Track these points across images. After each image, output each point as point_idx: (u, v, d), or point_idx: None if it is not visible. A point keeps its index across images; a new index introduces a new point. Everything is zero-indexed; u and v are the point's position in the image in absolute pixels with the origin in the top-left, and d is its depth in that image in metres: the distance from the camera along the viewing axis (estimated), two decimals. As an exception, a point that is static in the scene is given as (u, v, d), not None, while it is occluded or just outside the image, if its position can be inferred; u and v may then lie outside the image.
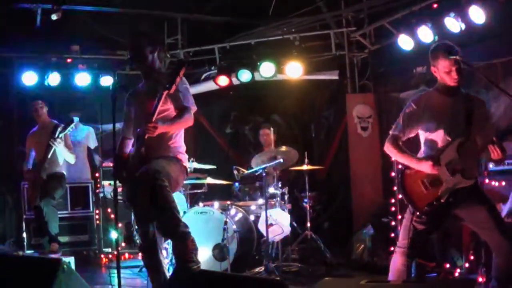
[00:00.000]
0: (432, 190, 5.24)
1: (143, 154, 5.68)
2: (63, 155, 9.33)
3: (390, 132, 5.63)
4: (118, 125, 5.81)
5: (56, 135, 9.00)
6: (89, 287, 5.73)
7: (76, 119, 11.00)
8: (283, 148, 9.26)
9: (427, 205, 5.23)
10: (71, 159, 9.42)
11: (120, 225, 10.32)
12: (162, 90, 5.63)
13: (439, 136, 5.35)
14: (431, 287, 3.93)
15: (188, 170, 6.55)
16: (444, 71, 5.30)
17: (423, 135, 5.54)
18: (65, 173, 9.60)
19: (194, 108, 5.94)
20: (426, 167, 5.26)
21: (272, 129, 10.17)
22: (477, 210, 5.19)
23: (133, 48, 6.08)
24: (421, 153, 5.55)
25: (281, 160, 8.88)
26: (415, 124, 5.48)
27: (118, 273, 5.28)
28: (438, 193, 5.21)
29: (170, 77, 5.65)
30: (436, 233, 6.63)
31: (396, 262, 5.51)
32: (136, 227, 5.98)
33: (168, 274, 5.78)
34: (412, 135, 5.59)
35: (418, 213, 5.27)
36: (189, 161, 8.69)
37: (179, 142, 6.02)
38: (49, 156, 9.07)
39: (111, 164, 10.58)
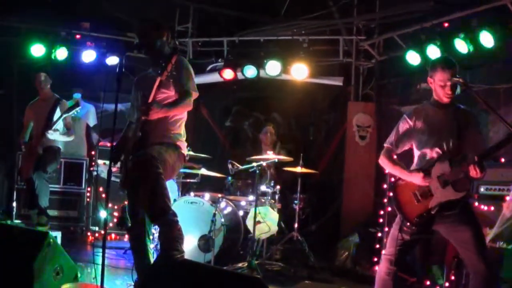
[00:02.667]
0: (423, 202, 5.31)
1: (137, 138, 5.72)
2: (58, 139, 9.33)
3: (384, 145, 5.72)
4: (121, 106, 5.86)
5: (58, 117, 9.00)
6: (73, 263, 5.78)
7: (78, 95, 11.08)
8: (281, 155, 9.34)
9: (418, 217, 5.29)
10: (68, 139, 9.42)
11: (109, 205, 10.37)
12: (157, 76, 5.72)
13: (431, 149, 5.40)
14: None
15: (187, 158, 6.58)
16: (439, 84, 5.34)
17: (415, 148, 5.59)
18: (61, 147, 9.59)
19: (195, 94, 5.97)
20: (417, 179, 5.33)
21: (273, 131, 10.28)
22: (462, 229, 5.21)
23: (141, 35, 6.12)
24: (413, 166, 5.59)
25: (276, 160, 8.94)
26: (408, 138, 5.57)
27: (103, 252, 5.31)
28: (428, 205, 5.27)
29: (163, 64, 5.70)
30: (421, 245, 6.73)
31: (381, 270, 5.57)
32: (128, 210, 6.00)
33: (152, 260, 5.84)
34: (406, 148, 5.66)
35: (408, 224, 5.33)
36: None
37: (180, 130, 6.07)
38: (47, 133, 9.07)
39: (108, 144, 10.61)
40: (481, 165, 4.99)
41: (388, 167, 5.65)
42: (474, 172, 5.00)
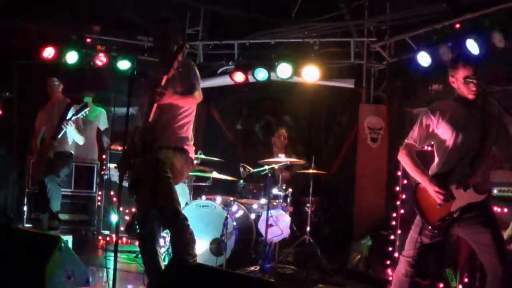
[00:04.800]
0: (445, 205, 5.23)
1: (146, 140, 5.71)
2: (72, 136, 9.32)
3: (405, 141, 5.58)
4: (132, 110, 5.82)
5: (69, 117, 8.99)
6: (85, 267, 5.77)
7: (89, 99, 11.07)
8: (293, 158, 9.32)
9: (440, 220, 5.24)
10: (80, 140, 9.39)
11: (120, 209, 10.35)
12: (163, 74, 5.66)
13: (453, 147, 5.33)
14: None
15: (195, 162, 6.52)
16: (463, 82, 5.29)
17: (436, 147, 5.52)
18: (73, 152, 9.59)
19: (199, 97, 5.90)
20: (435, 194, 5.25)
21: (286, 134, 10.28)
22: (481, 231, 5.16)
23: (161, 36, 6.04)
24: (433, 166, 5.52)
25: (288, 162, 8.91)
26: (430, 134, 5.46)
27: (115, 256, 5.28)
28: (450, 208, 5.21)
29: (168, 61, 5.66)
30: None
31: (399, 271, 5.51)
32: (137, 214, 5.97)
33: (163, 264, 5.80)
34: (427, 144, 5.58)
35: (429, 227, 5.27)
36: (197, 153, 8.73)
37: (187, 133, 6.00)
38: (59, 136, 9.06)
39: (119, 148, 10.62)
40: None
41: (408, 167, 5.53)
42: None
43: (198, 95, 5.85)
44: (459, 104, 5.41)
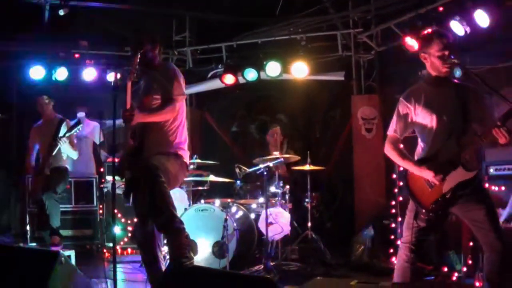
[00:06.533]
0: (437, 187, 5.20)
1: (131, 145, 5.74)
2: (66, 152, 9.36)
3: (387, 133, 5.57)
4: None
5: (62, 135, 9.02)
6: (87, 280, 5.77)
7: (82, 114, 11.09)
8: (290, 155, 9.34)
9: (433, 203, 5.22)
10: (74, 155, 9.44)
11: (123, 220, 10.42)
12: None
13: (436, 130, 5.28)
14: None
15: (190, 167, 6.53)
16: (437, 55, 5.20)
17: (418, 132, 5.48)
18: (69, 167, 9.61)
19: (180, 98, 5.94)
20: (428, 176, 5.22)
21: (280, 131, 10.28)
22: (476, 209, 5.15)
23: (134, 46, 6.10)
24: (419, 150, 5.49)
25: (282, 160, 8.92)
26: (410, 123, 5.42)
27: (114, 267, 5.30)
28: (442, 190, 5.18)
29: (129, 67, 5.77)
30: (436, 233, 6.66)
31: (400, 257, 5.48)
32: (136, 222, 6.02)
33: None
34: (409, 132, 5.54)
35: (424, 211, 5.25)
36: (192, 157, 8.75)
37: (180, 138, 6.01)
38: (54, 153, 9.10)
39: (116, 160, 10.61)
40: (507, 129, 4.82)
41: (396, 159, 5.50)
42: (502, 138, 4.85)
43: (173, 108, 5.87)
44: (431, 85, 5.37)
